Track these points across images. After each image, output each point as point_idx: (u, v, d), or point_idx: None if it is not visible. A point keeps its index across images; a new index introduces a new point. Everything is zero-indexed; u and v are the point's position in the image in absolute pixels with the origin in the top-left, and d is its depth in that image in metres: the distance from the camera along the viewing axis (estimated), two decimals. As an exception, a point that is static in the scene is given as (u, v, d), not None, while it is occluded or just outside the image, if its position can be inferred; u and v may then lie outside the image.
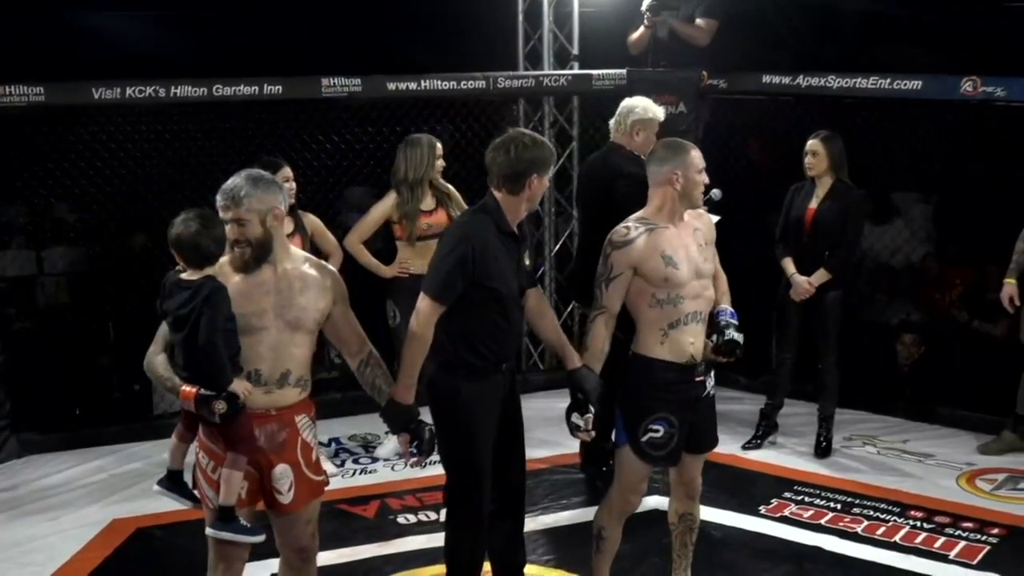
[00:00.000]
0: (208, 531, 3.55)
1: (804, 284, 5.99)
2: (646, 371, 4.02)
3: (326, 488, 3.81)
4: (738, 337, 4.09)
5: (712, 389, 4.15)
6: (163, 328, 3.59)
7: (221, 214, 3.51)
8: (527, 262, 4.07)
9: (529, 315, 4.21)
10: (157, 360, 3.58)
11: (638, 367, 4.04)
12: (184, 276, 3.50)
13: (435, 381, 4.02)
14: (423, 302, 3.89)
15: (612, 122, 5.77)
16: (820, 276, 5.98)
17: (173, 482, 3.69)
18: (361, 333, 3.81)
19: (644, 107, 5.66)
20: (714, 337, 4.09)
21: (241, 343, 3.50)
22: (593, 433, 4.03)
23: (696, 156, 4.05)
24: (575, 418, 3.97)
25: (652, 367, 4.01)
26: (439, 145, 5.97)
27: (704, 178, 4.07)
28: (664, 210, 4.04)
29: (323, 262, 3.80)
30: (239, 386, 3.46)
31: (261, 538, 3.63)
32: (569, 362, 4.05)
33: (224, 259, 3.56)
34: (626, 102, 5.75)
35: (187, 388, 3.45)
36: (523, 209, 3.98)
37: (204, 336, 3.40)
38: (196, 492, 3.66)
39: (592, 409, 3.97)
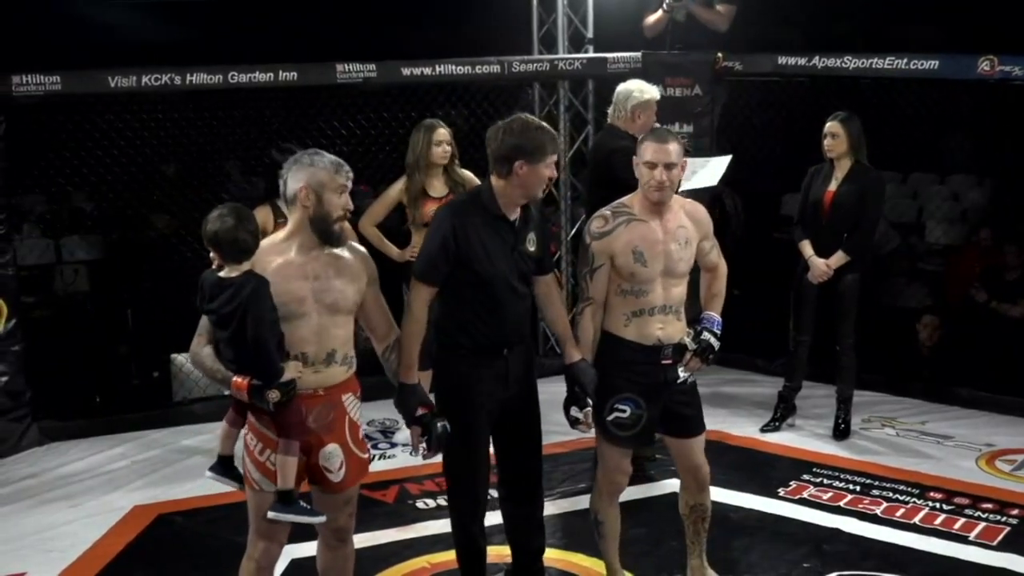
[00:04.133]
0: (270, 515, 3.55)
1: (822, 267, 5.97)
2: (613, 349, 4.04)
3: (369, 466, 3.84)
4: (714, 342, 4.06)
5: (690, 377, 4.11)
6: (204, 320, 3.58)
7: (345, 181, 3.56)
8: (531, 248, 3.96)
9: (537, 302, 4.18)
10: (204, 353, 3.56)
11: (606, 344, 4.05)
12: (223, 274, 3.47)
13: (437, 362, 4.03)
14: (413, 283, 3.92)
15: (610, 108, 5.78)
16: (839, 258, 5.96)
17: (224, 467, 3.69)
18: (390, 318, 3.84)
19: (640, 90, 5.67)
20: (691, 340, 4.05)
21: (284, 329, 3.50)
22: (592, 425, 4.02)
23: (651, 146, 3.94)
24: (574, 411, 3.97)
25: (619, 345, 4.03)
26: (440, 130, 5.91)
27: (657, 175, 3.90)
28: (643, 200, 4.01)
29: (354, 244, 3.81)
30: (292, 370, 3.48)
31: (323, 518, 3.66)
32: (568, 356, 4.04)
33: (267, 244, 3.57)
34: (622, 87, 5.75)
35: (239, 379, 3.45)
36: (516, 195, 3.87)
37: (252, 332, 3.40)
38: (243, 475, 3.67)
39: (590, 402, 3.97)
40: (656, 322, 4.01)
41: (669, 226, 4.02)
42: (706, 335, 4.06)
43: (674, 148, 3.95)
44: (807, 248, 6.05)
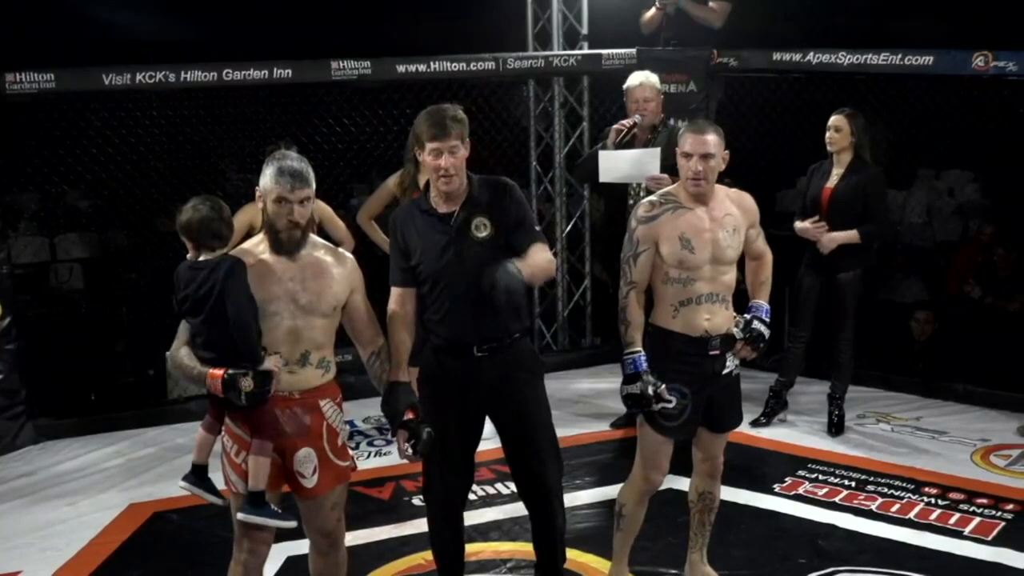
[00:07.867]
0: (239, 516, 3.53)
1: (826, 238, 5.91)
2: (661, 341, 4.04)
3: (353, 472, 3.83)
4: (764, 330, 4.08)
5: (735, 368, 4.14)
6: (184, 325, 3.55)
7: (289, 194, 3.45)
8: (482, 234, 3.79)
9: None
10: (181, 353, 3.52)
11: (654, 337, 4.05)
12: (197, 259, 3.48)
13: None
14: None
15: None
16: (849, 236, 5.91)
17: (198, 477, 3.65)
18: (376, 325, 3.79)
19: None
20: (741, 330, 4.07)
21: None
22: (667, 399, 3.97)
23: (688, 137, 3.96)
24: (640, 387, 3.92)
25: (667, 338, 4.03)
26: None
27: (693, 165, 3.92)
28: (686, 188, 4.03)
29: (339, 249, 3.76)
30: (271, 362, 3.46)
31: (292, 524, 3.65)
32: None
33: (247, 245, 3.56)
34: None
35: (214, 370, 3.41)
36: (434, 188, 3.81)
37: (233, 313, 3.38)
38: (223, 479, 3.63)
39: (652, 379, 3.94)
40: (703, 312, 4.00)
41: (716, 214, 4.01)
42: (756, 324, 4.08)
43: (712, 139, 3.95)
44: (804, 223, 5.98)
